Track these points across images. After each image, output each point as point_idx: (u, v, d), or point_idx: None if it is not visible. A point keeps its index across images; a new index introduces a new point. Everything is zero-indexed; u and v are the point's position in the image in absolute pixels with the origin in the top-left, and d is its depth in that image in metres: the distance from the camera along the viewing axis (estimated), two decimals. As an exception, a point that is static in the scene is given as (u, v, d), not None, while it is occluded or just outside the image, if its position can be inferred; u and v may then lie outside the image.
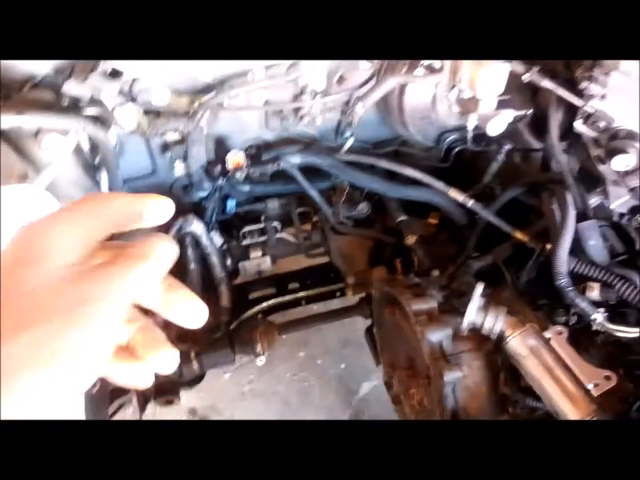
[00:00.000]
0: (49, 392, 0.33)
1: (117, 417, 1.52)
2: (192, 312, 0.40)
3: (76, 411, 0.78)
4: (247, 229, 1.46)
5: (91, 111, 1.03)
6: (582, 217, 1.11)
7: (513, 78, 1.14)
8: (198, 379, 1.48)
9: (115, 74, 1.05)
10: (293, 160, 1.30)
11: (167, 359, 0.40)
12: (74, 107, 1.01)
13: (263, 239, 1.46)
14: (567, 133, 1.17)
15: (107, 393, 1.11)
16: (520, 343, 0.93)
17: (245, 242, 1.46)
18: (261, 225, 1.47)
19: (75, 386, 0.34)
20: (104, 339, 0.35)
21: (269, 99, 1.23)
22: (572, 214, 1.06)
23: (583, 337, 1.02)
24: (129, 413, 1.30)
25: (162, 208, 0.40)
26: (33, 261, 0.35)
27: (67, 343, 0.33)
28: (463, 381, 1.01)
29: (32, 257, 0.35)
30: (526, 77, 1.09)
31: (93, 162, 1.15)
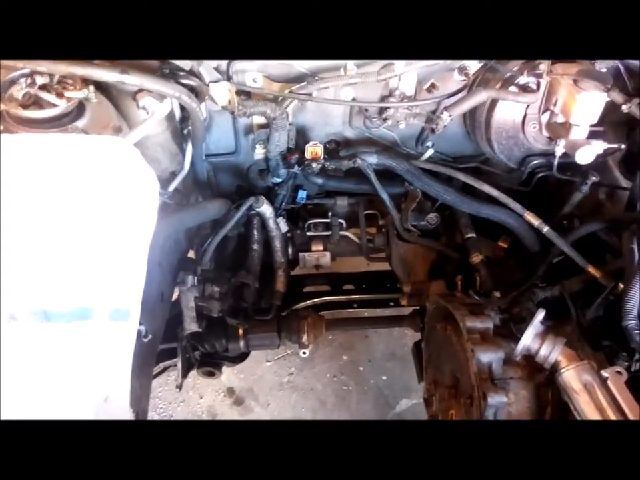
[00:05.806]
0: None
1: (160, 380, 1.57)
2: None
3: (124, 359, 0.81)
4: (312, 221, 1.49)
5: (189, 81, 1.08)
6: (663, 262, 1.05)
7: (610, 110, 1.10)
8: (241, 357, 1.51)
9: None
10: (370, 159, 1.30)
11: None
12: (173, 75, 1.06)
13: (326, 233, 1.47)
14: (661, 174, 1.11)
15: (155, 351, 1.15)
16: (574, 377, 0.89)
17: (309, 233, 1.48)
18: (327, 220, 1.48)
19: None
20: None
21: (357, 96, 1.25)
22: (652, 256, 1.01)
23: (643, 387, 0.96)
24: (172, 376, 1.35)
25: None
26: None
27: None
28: (507, 407, 0.98)
29: None
30: (625, 108, 1.04)
31: (182, 131, 1.20)
